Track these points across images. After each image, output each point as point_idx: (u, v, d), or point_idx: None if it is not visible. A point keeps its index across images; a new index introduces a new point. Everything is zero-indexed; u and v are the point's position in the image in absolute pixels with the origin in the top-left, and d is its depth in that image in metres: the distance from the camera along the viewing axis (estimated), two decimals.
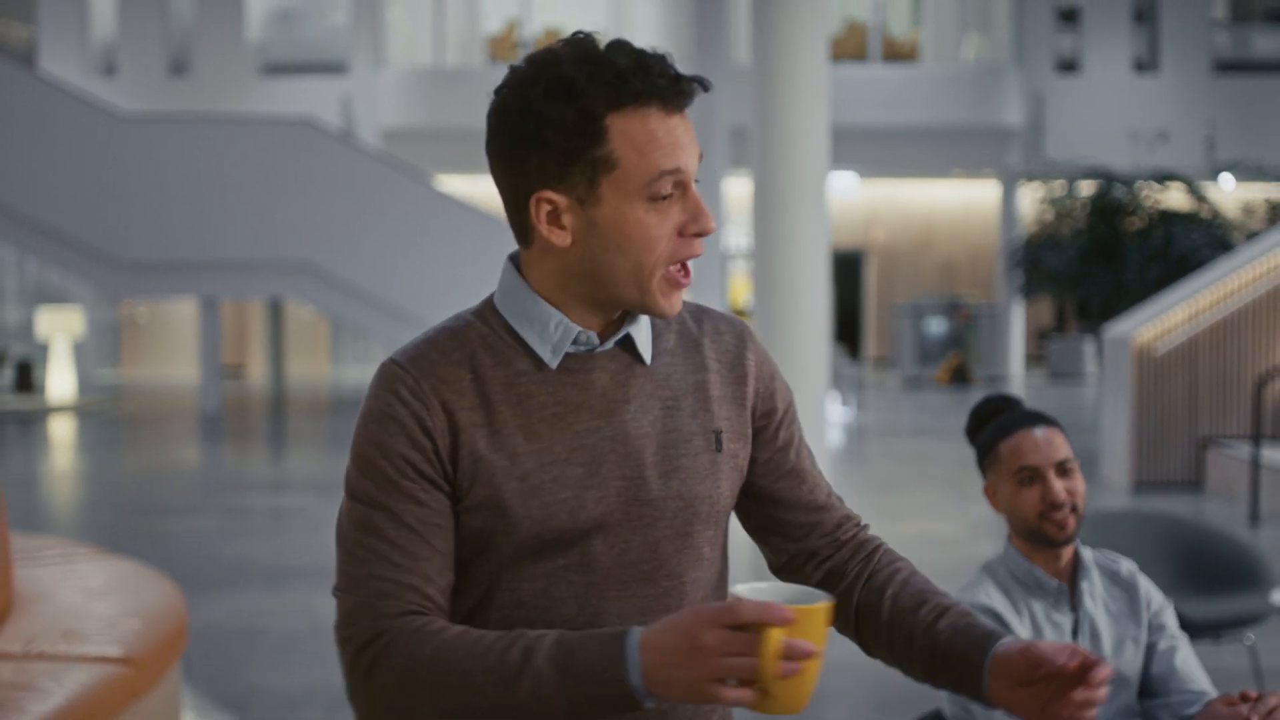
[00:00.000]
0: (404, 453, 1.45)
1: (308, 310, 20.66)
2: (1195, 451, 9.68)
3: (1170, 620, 2.57)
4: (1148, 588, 2.59)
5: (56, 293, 19.55)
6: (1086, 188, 14.97)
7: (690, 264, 1.48)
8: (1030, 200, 18.34)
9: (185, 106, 19.10)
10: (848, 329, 23.10)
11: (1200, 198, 14.60)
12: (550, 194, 1.43)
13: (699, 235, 1.45)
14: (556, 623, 1.46)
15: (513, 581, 1.47)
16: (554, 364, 1.49)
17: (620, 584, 1.49)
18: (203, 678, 5.03)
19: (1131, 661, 2.53)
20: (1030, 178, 18.66)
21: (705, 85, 1.45)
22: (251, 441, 13.80)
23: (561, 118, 1.39)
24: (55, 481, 11.09)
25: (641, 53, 1.43)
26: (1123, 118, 20.31)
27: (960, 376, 19.23)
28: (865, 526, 1.71)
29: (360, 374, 21.36)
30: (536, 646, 1.34)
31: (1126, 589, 2.58)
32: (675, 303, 1.48)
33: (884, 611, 1.60)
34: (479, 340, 1.50)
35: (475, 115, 18.70)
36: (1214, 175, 18.71)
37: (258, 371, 21.60)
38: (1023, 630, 2.48)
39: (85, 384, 17.80)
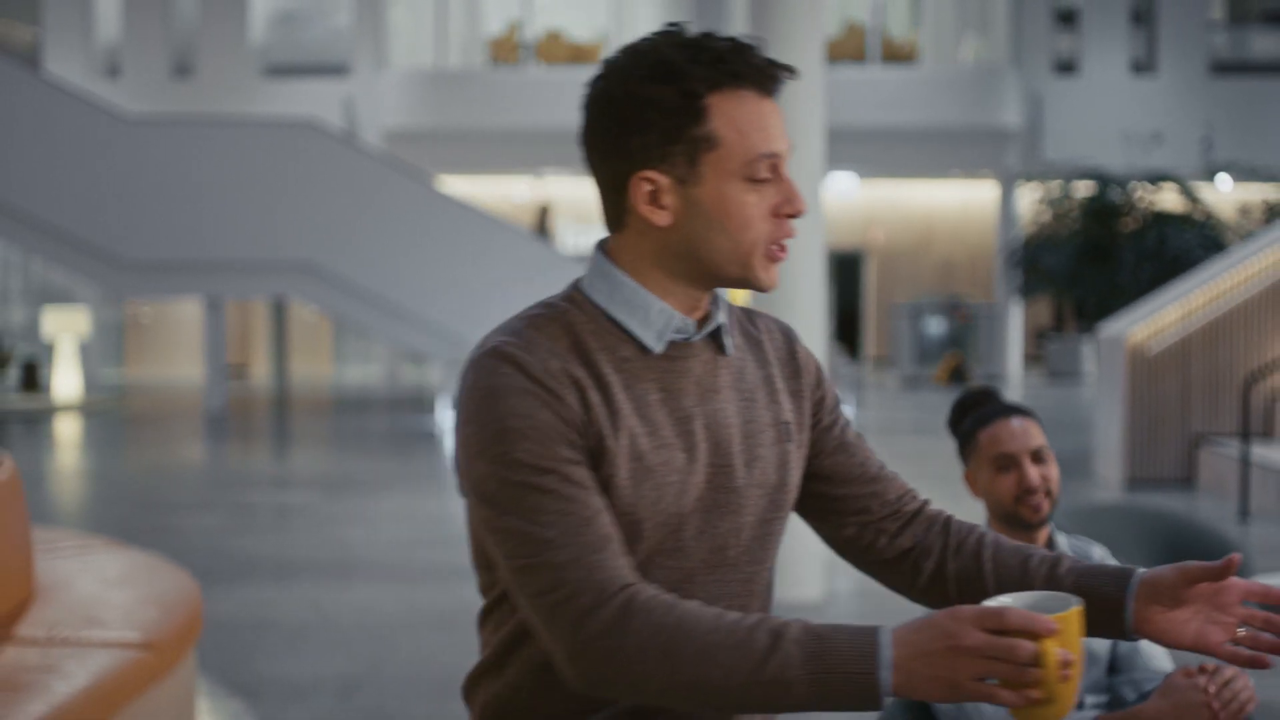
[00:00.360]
0: (550, 420, 1.43)
1: (310, 310, 20.82)
2: (1187, 449, 9.83)
3: None
4: None
5: (61, 293, 19.71)
6: (1082, 188, 15.12)
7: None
8: (1029, 201, 18.50)
9: (188, 108, 19.25)
10: (847, 329, 23.25)
11: (1193, 199, 14.74)
12: (651, 174, 1.47)
13: (791, 216, 1.51)
14: None
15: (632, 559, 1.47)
16: (659, 349, 1.50)
17: (708, 569, 1.52)
18: (214, 667, 5.17)
19: (1102, 641, 2.67)
20: (1029, 178, 18.84)
21: (794, 73, 1.52)
22: (256, 440, 13.94)
23: (663, 98, 1.44)
24: (63, 479, 11.23)
25: (736, 38, 1.48)
26: (1120, 119, 20.45)
27: (958, 376, 19.36)
28: (927, 500, 1.74)
29: (362, 373, 21.50)
30: (785, 631, 1.34)
31: None
32: (774, 277, 1.52)
33: (987, 574, 1.63)
34: (579, 325, 1.50)
35: (476, 116, 18.87)
36: (1211, 176, 18.85)
37: (261, 371, 21.75)
38: None
39: (89, 383, 17.96)
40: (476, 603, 1.72)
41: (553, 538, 1.39)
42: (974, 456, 2.71)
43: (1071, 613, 1.35)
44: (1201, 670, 2.43)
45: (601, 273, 1.53)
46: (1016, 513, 2.64)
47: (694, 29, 1.49)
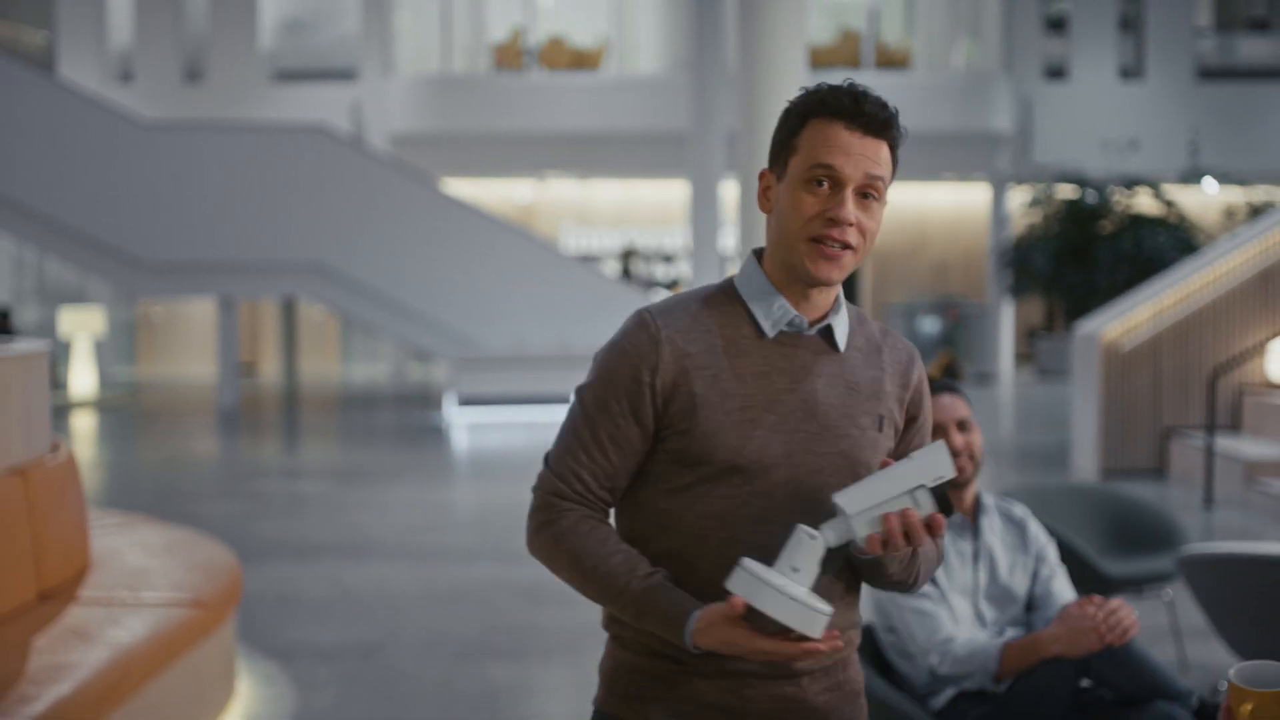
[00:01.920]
0: (624, 384, 1.89)
1: (319, 309, 21.27)
2: (1159, 441, 10.32)
3: (1052, 555, 3.24)
4: (1036, 528, 3.26)
5: (74, 292, 20.18)
6: (1064, 192, 15.54)
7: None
8: (1019, 203, 18.96)
9: (199, 112, 19.67)
10: None
11: (1167, 202, 15.17)
12: (767, 171, 1.95)
13: (833, 221, 1.85)
14: (736, 536, 1.86)
15: (708, 498, 1.88)
16: (771, 334, 1.91)
17: (789, 512, 1.86)
18: (248, 635, 5.65)
19: (1020, 582, 3.18)
20: (1019, 181, 19.30)
21: (888, 114, 1.88)
22: (269, 434, 14.41)
23: (786, 118, 1.93)
24: (84, 471, 11.70)
25: (853, 87, 1.88)
26: (1109, 123, 20.89)
27: (951, 374, 19.80)
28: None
29: (369, 371, 21.98)
30: (628, 586, 1.85)
31: (1018, 526, 3.24)
32: (824, 271, 1.88)
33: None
34: (718, 305, 1.94)
35: (481, 121, 19.32)
36: (1197, 180, 19.30)
37: (270, 369, 22.20)
38: None
39: (103, 381, 18.46)
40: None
41: (558, 455, 1.94)
42: None
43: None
44: (1090, 600, 2.93)
45: (748, 269, 1.96)
46: None
47: (847, 83, 1.92)
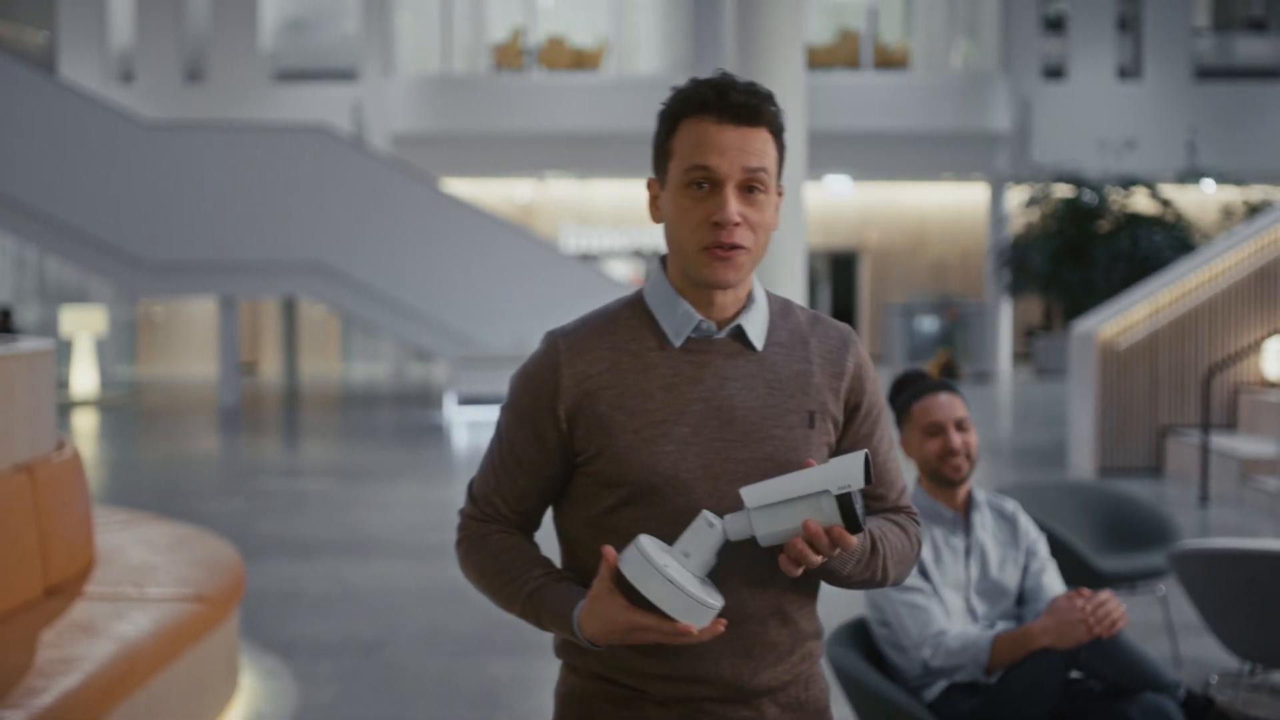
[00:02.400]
0: (527, 409, 1.86)
1: (320, 309, 21.32)
2: (1155, 439, 10.37)
3: (1042, 549, 3.30)
4: (1027, 523, 3.32)
5: (76, 292, 20.24)
6: (1061, 191, 15.61)
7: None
8: (1017, 203, 19.02)
9: (200, 112, 19.72)
10: None
11: (1164, 202, 15.22)
12: (652, 180, 1.87)
13: (718, 225, 1.77)
14: None
15: (634, 519, 1.81)
16: (677, 343, 1.84)
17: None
18: (250, 630, 5.70)
19: (1011, 576, 3.24)
20: (1018, 181, 19.35)
21: (758, 100, 1.80)
22: (270, 433, 14.46)
23: (660, 122, 1.85)
24: (87, 469, 11.74)
25: (721, 78, 1.81)
26: (1106, 123, 20.95)
27: (949, 373, 19.85)
28: (914, 514, 1.99)
29: (369, 370, 22.05)
30: (520, 591, 1.84)
31: (1010, 522, 3.30)
32: (720, 275, 1.79)
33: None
34: (623, 320, 1.87)
35: (481, 120, 19.35)
36: (1195, 179, 19.35)
37: (271, 368, 22.26)
38: (927, 549, 3.20)
39: (104, 380, 18.51)
40: None
41: (478, 478, 1.95)
42: (908, 425, 3.27)
43: None
44: (1080, 593, 2.99)
45: (654, 278, 1.89)
46: (940, 471, 3.21)
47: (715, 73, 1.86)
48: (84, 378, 17.12)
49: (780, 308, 1.91)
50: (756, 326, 1.86)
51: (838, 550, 1.70)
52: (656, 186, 1.86)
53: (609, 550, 1.72)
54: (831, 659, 3.31)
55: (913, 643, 3.12)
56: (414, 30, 22.04)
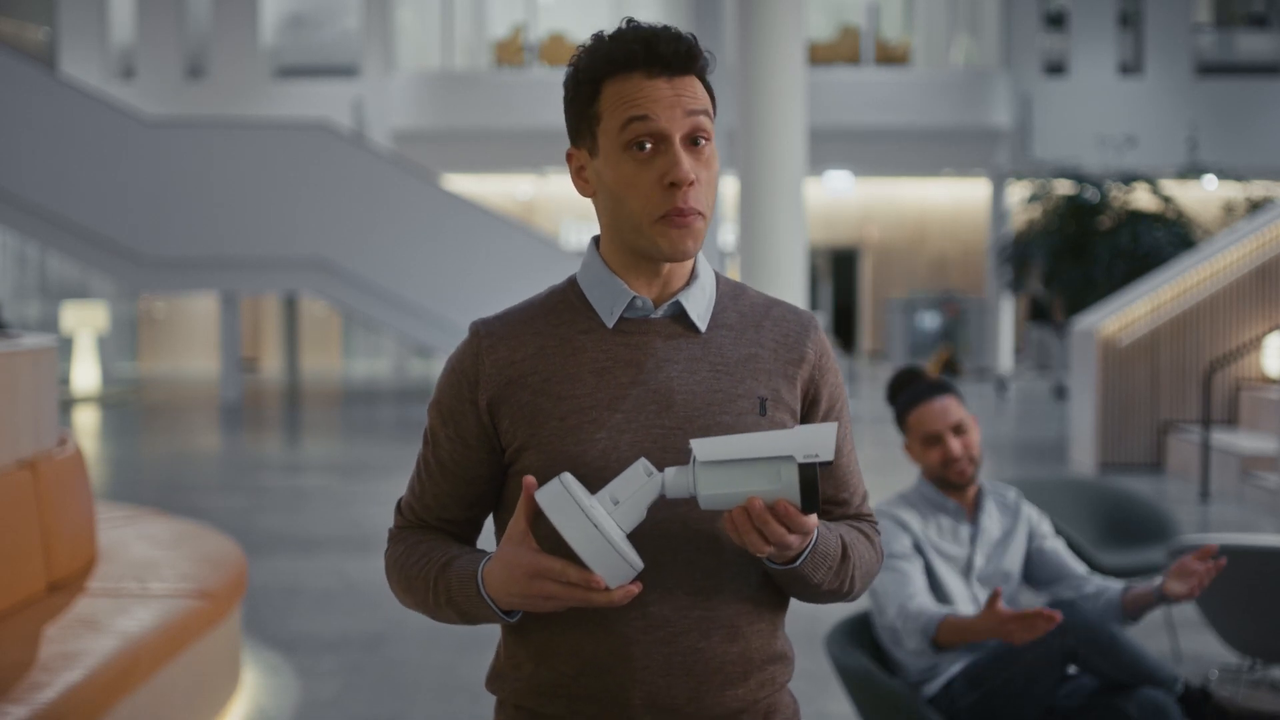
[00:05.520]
0: (450, 405, 1.70)
1: (321, 305, 21.33)
2: (1156, 436, 10.38)
3: (1047, 528, 3.36)
4: (1029, 509, 3.37)
5: (77, 288, 20.25)
6: (1063, 187, 15.62)
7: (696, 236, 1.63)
8: (1018, 199, 19.04)
9: (201, 109, 19.74)
10: (843, 323, 23.81)
11: (1165, 198, 15.24)
12: (574, 150, 1.68)
13: (674, 185, 1.59)
14: None
15: None
16: (611, 324, 1.66)
17: (652, 522, 1.58)
18: (252, 626, 5.72)
19: (1014, 560, 3.29)
20: (1018, 177, 19.36)
21: (687, 44, 1.64)
22: (271, 429, 14.48)
23: (576, 87, 1.65)
24: (89, 465, 11.76)
25: (637, 30, 1.63)
26: (1107, 119, 20.95)
27: (950, 369, 19.88)
28: (869, 512, 1.81)
29: (370, 367, 22.06)
30: (438, 577, 1.66)
31: (1012, 510, 3.35)
32: (681, 244, 1.62)
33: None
34: (553, 304, 1.70)
35: (482, 117, 19.34)
36: (1196, 175, 19.35)
37: (272, 365, 22.28)
38: (934, 535, 3.23)
39: (106, 376, 18.53)
40: None
41: (408, 485, 1.78)
42: (908, 433, 3.30)
43: None
44: (1035, 611, 2.96)
45: (587, 257, 1.71)
46: (945, 477, 3.25)
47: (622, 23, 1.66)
48: (86, 374, 17.14)
49: (731, 290, 1.73)
50: (699, 306, 1.69)
51: (795, 537, 1.50)
52: (582, 155, 1.67)
53: (529, 479, 1.55)
54: (831, 655, 3.33)
55: (888, 602, 3.13)
56: (415, 26, 22.05)
